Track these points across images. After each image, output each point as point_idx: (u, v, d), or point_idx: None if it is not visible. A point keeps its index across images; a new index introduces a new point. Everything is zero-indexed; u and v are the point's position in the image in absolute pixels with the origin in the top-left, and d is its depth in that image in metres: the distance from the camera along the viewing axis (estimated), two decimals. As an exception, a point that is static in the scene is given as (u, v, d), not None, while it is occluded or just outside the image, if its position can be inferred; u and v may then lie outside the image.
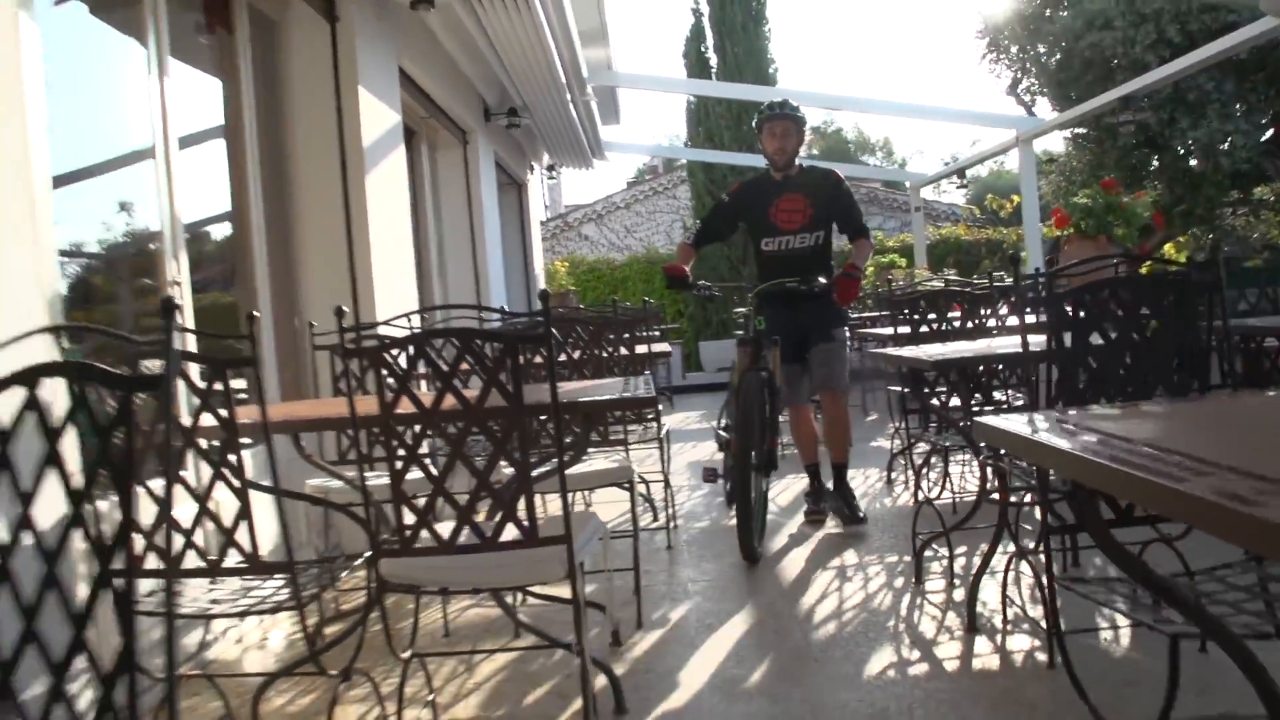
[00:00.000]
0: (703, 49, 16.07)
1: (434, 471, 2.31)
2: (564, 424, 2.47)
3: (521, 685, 2.95)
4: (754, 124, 4.93)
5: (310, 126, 4.88)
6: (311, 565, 2.53)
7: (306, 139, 4.88)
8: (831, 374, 4.61)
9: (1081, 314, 2.37)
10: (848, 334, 4.93)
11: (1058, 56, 9.93)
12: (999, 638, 3.06)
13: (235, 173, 4.38)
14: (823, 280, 4.47)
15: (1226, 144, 8.45)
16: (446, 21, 6.28)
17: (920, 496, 4.64)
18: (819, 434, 4.88)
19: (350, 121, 4.92)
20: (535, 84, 7.80)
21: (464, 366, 2.28)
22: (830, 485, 4.72)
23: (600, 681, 2.77)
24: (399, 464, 2.30)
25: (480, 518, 2.31)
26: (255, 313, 3.31)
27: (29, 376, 1.46)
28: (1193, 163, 9.13)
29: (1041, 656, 2.83)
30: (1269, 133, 10.22)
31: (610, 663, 2.95)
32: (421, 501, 2.31)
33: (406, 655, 2.69)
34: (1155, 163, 9.79)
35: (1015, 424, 1.56)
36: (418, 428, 2.32)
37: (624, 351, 4.40)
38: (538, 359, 3.65)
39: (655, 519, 4.97)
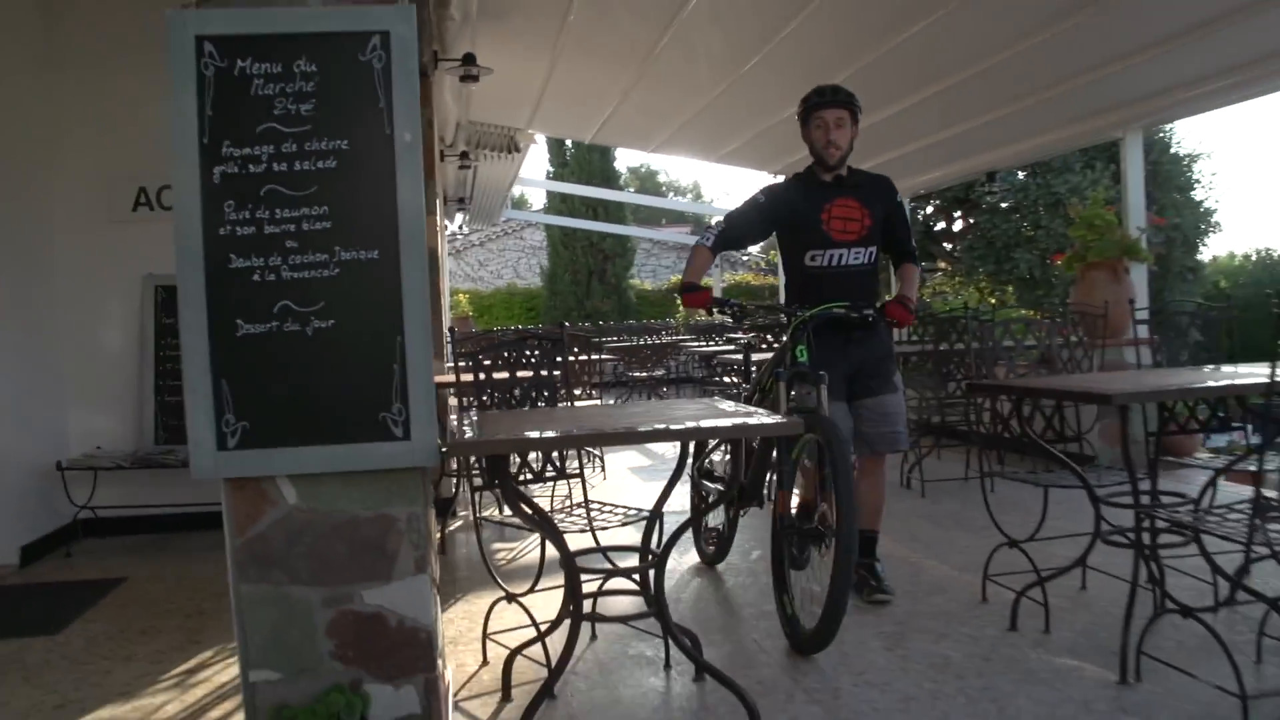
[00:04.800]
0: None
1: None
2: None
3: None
4: (798, 115, 3.94)
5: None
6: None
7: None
8: (896, 435, 3.88)
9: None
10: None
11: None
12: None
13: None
14: (869, 312, 3.76)
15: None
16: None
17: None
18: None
19: (431, 229, 9.55)
20: (488, 190, 12.58)
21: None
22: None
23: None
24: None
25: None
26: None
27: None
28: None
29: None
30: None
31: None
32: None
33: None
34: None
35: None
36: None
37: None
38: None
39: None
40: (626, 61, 7.15)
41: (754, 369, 4.60)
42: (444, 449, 2.45)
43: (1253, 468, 2.78)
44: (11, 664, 3.56)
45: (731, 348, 9.23)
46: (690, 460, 4.17)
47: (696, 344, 11.06)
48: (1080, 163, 13.21)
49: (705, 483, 4.26)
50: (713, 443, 4.25)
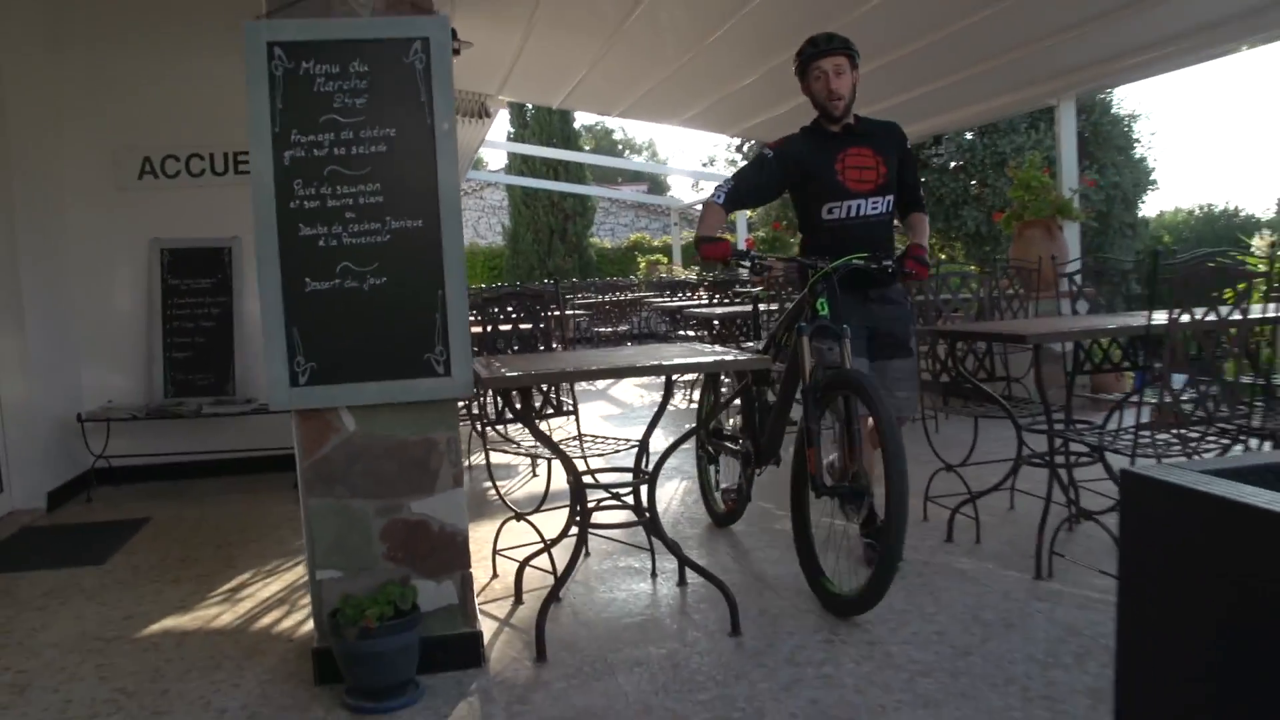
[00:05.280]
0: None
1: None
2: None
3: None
4: (795, 70, 3.80)
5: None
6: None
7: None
8: (908, 401, 3.89)
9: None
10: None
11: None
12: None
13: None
14: (888, 263, 3.64)
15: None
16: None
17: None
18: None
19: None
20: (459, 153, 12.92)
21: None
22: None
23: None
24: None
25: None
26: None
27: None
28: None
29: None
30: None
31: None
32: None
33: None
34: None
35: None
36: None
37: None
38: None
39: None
40: (596, 34, 7.56)
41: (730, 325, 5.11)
42: (480, 383, 2.94)
43: (1151, 400, 3.36)
44: (71, 588, 4.02)
45: (695, 303, 9.75)
46: (696, 419, 4.50)
47: (660, 300, 11.54)
48: (1025, 123, 13.83)
49: (716, 440, 4.46)
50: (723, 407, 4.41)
